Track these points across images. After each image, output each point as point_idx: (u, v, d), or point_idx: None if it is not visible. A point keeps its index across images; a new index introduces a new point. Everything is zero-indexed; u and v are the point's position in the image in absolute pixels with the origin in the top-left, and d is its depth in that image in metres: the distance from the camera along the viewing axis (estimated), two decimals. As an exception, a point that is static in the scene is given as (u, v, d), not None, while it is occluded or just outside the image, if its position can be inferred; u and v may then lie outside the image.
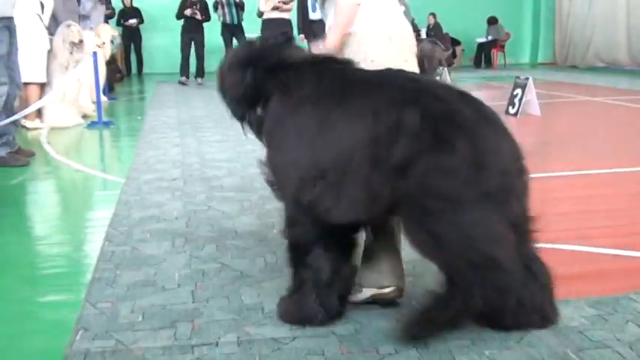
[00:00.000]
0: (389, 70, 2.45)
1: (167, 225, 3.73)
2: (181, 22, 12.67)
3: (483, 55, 17.38)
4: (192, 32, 12.62)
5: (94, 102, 8.22)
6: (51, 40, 7.54)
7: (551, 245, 3.35)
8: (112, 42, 9.91)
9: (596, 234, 3.54)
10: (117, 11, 14.04)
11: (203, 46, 12.73)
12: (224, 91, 2.62)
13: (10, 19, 5.38)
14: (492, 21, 17.09)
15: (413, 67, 2.81)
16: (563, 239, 3.43)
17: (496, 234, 2.20)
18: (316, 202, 2.27)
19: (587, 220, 3.81)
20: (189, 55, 12.78)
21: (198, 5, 12.51)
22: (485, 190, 2.16)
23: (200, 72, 12.85)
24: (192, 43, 12.66)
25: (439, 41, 15.74)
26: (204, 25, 12.75)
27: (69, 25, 7.66)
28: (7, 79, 5.32)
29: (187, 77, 12.82)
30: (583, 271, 3.03)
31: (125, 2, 14.51)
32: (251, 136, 2.68)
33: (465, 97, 2.32)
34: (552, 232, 3.59)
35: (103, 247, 3.36)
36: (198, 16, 12.47)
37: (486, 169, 2.18)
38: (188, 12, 12.48)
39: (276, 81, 2.44)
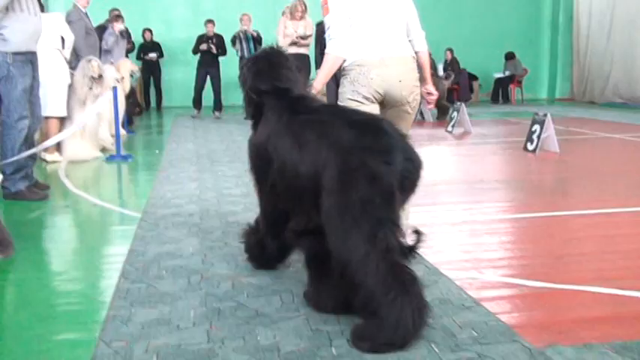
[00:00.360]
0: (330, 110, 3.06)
1: (183, 262, 3.71)
2: (197, 56, 12.88)
3: (501, 91, 17.36)
4: (207, 66, 12.85)
5: (113, 135, 8.29)
6: (72, 75, 7.65)
7: (573, 287, 3.30)
8: (131, 76, 10.04)
9: (620, 275, 3.47)
10: (137, 45, 14.25)
11: (219, 79, 12.90)
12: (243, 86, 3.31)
13: (34, 53, 5.46)
14: (510, 56, 17.11)
15: (408, 85, 3.59)
16: (585, 281, 3.36)
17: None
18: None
19: (609, 261, 3.74)
20: (202, 88, 13.00)
21: (214, 40, 12.71)
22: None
23: (217, 105, 12.98)
24: (208, 76, 12.84)
25: (453, 74, 15.84)
26: (221, 59, 12.93)
27: (89, 60, 7.77)
28: (28, 112, 5.39)
29: (199, 110, 13.02)
30: (607, 314, 2.95)
31: (145, 37, 14.77)
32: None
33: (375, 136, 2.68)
34: (574, 273, 3.54)
35: (119, 284, 3.34)
36: (214, 50, 12.68)
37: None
38: (204, 47, 12.72)
39: (265, 105, 3.14)
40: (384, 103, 3.64)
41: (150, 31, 14.90)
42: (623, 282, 3.33)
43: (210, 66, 12.84)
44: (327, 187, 2.62)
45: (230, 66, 13.22)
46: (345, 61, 3.62)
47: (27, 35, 5.29)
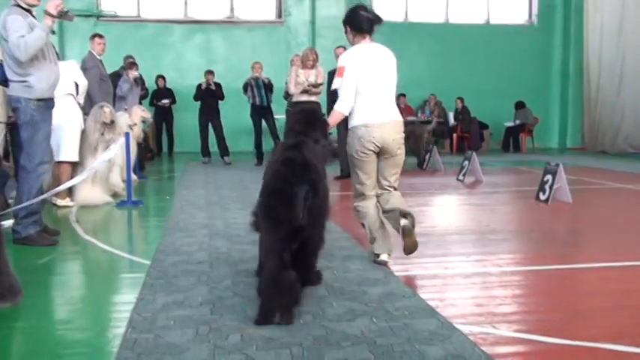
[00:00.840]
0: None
1: (192, 312, 3.66)
2: (198, 104, 13.16)
3: (512, 140, 17.39)
4: (208, 114, 13.05)
5: (124, 181, 8.31)
6: (85, 120, 7.72)
7: (591, 344, 3.22)
8: (143, 122, 10.11)
9: (637, 332, 3.38)
10: (150, 91, 14.43)
11: (221, 128, 13.08)
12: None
13: (53, 100, 5.60)
14: (520, 105, 17.18)
15: (398, 141, 4.79)
16: (603, 338, 3.28)
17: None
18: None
19: (625, 317, 3.66)
20: (207, 136, 13.14)
21: (212, 85, 13.00)
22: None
23: (224, 151, 13.10)
24: (210, 125, 13.08)
25: (435, 119, 15.97)
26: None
27: (102, 106, 7.85)
28: (49, 157, 5.46)
29: (209, 157, 13.18)
30: (625, 373, 2.87)
31: (159, 83, 14.98)
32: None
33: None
34: (591, 330, 3.46)
35: (126, 334, 3.29)
36: (213, 87, 12.92)
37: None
38: (203, 84, 12.99)
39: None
40: (380, 153, 4.78)
41: (163, 77, 15.14)
42: (641, 339, 3.25)
43: (211, 113, 13.05)
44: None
45: (241, 113, 13.34)
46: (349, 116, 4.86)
47: (49, 83, 5.47)
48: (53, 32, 5.42)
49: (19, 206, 5.21)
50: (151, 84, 14.54)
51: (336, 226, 6.17)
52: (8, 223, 5.77)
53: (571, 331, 3.40)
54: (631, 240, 5.81)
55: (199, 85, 13.18)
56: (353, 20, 4.83)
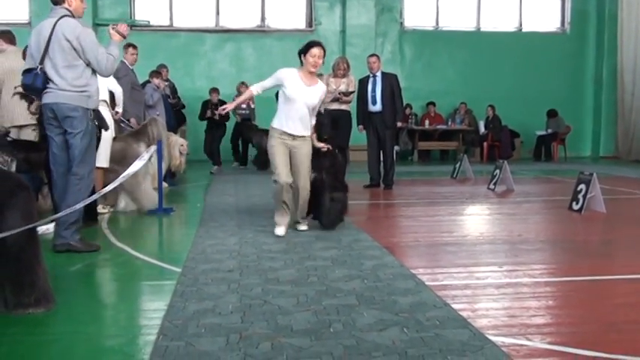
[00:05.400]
0: None
1: (222, 320, 3.67)
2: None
3: (543, 148, 17.19)
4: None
5: (155, 189, 8.38)
6: (119, 128, 7.82)
7: (628, 357, 3.15)
8: (180, 153, 9.74)
9: (675, 346, 3.30)
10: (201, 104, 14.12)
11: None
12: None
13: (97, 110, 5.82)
14: (552, 114, 16.99)
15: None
16: (635, 351, 3.21)
17: None
18: None
19: (663, 330, 3.58)
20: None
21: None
22: None
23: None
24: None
25: (494, 130, 15.89)
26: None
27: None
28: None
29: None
30: (663, 388, 2.80)
31: (212, 97, 13.93)
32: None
33: None
34: (627, 343, 3.39)
35: (157, 342, 3.31)
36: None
37: None
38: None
39: None
40: None
41: (217, 90, 13.99)
42: (680, 353, 3.17)
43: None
44: None
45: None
46: None
47: (98, 94, 5.72)
48: None
49: (67, 211, 5.07)
50: (192, 94, 14.71)
51: (366, 236, 6.16)
52: (45, 228, 5.85)
53: (605, 344, 3.33)
54: (667, 251, 5.69)
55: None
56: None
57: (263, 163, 13.02)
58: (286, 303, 3.97)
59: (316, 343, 3.28)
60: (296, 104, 6.13)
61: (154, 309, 4.00)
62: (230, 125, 14.15)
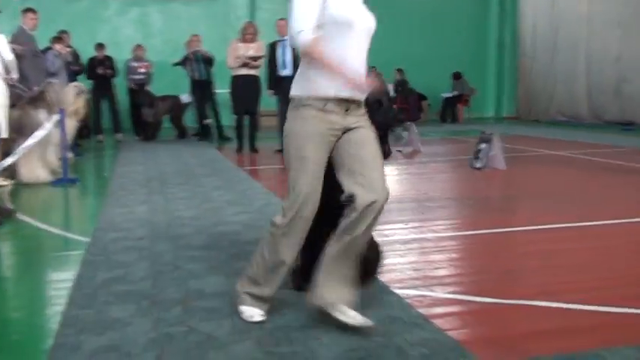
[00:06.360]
0: None
1: (133, 286, 3.66)
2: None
3: (449, 110, 17.71)
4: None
5: (59, 158, 8.12)
6: (18, 97, 7.50)
7: (520, 302, 3.38)
8: (78, 95, 9.41)
9: (562, 289, 3.56)
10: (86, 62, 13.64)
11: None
12: None
13: None
14: (457, 76, 17.48)
15: None
16: (531, 295, 3.45)
17: None
18: None
19: (552, 276, 3.84)
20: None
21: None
22: None
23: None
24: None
25: (403, 94, 16.16)
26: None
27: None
28: None
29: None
30: (550, 327, 3.03)
31: (97, 52, 13.33)
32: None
33: None
34: (520, 288, 3.63)
35: (66, 311, 3.27)
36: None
37: None
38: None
39: None
40: None
41: (102, 45, 13.37)
42: (567, 295, 3.42)
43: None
44: None
45: (180, 88, 13.11)
46: None
47: None
48: None
49: None
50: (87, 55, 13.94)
51: (277, 200, 6.22)
52: None
53: (502, 291, 3.56)
54: (559, 204, 6.05)
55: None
56: None
57: (152, 134, 12.77)
58: (197, 268, 4.00)
59: (228, 305, 3.32)
60: (353, 33, 3.17)
61: (62, 279, 3.93)
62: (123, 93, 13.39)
